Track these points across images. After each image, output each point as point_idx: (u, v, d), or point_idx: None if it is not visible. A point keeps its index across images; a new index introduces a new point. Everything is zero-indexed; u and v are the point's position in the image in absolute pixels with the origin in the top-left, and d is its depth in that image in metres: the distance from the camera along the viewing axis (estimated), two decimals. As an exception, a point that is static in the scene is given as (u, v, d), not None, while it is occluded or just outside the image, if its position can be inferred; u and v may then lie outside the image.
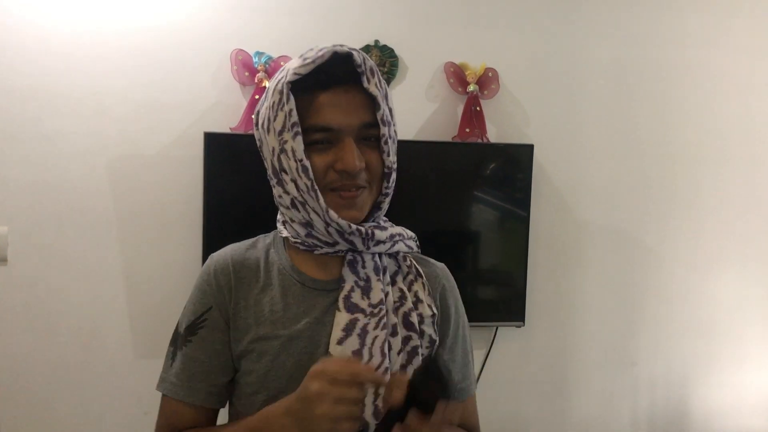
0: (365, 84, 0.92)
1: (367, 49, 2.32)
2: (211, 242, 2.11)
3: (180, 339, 1.01)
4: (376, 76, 0.93)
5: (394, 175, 0.98)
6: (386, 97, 0.95)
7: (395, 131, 0.99)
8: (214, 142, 2.17)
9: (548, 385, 2.57)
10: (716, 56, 2.57)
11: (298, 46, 2.25)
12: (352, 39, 2.30)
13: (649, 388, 2.64)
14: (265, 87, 2.15)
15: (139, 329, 2.27)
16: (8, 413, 2.20)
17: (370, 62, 0.93)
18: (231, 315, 0.99)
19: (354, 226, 0.94)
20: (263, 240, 1.07)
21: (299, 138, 0.90)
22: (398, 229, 1.02)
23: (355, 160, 0.90)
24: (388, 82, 2.34)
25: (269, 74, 2.18)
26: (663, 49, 2.53)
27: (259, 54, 2.21)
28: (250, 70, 2.21)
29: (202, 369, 0.99)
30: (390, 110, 0.97)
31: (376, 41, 2.33)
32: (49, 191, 2.19)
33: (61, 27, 2.15)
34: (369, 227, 0.97)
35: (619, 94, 2.52)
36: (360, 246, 0.96)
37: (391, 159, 0.96)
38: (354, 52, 0.92)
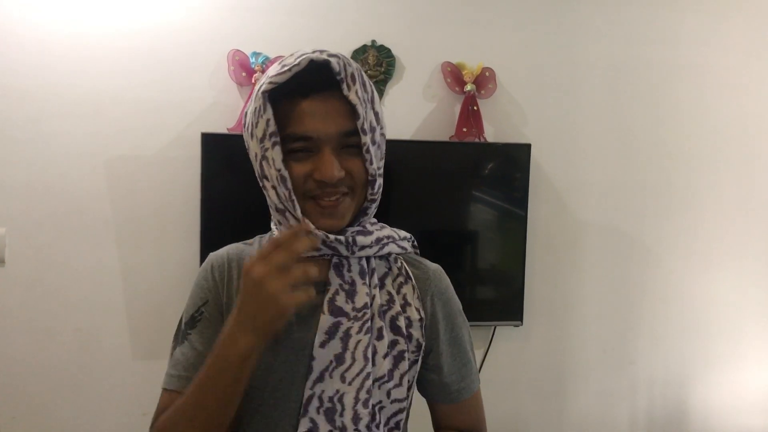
0: (345, 92, 0.89)
1: (364, 49, 2.32)
2: (209, 243, 2.11)
3: (181, 334, 1.02)
4: (357, 81, 0.90)
5: (379, 181, 0.97)
6: (372, 100, 0.93)
7: (383, 134, 0.97)
8: (211, 143, 2.17)
9: (546, 385, 2.58)
10: (711, 55, 2.57)
11: (295, 47, 2.24)
12: (349, 39, 2.31)
13: (647, 387, 2.65)
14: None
15: (137, 330, 2.27)
16: (6, 414, 2.20)
17: (352, 67, 0.90)
18: (225, 309, 1.00)
19: (332, 236, 0.93)
20: (259, 240, 1.08)
21: (278, 148, 0.89)
22: (387, 232, 1.01)
23: (332, 170, 0.89)
24: (385, 82, 2.34)
25: (266, 74, 2.18)
26: (659, 48, 2.54)
27: (256, 54, 2.21)
28: (247, 70, 2.22)
29: (200, 360, 0.99)
30: (376, 114, 0.95)
31: (373, 41, 2.33)
32: (47, 192, 2.19)
33: (59, 28, 2.15)
34: (351, 233, 0.96)
35: (616, 93, 2.53)
36: (344, 252, 0.96)
37: (375, 166, 0.94)
38: (332, 60, 0.88)
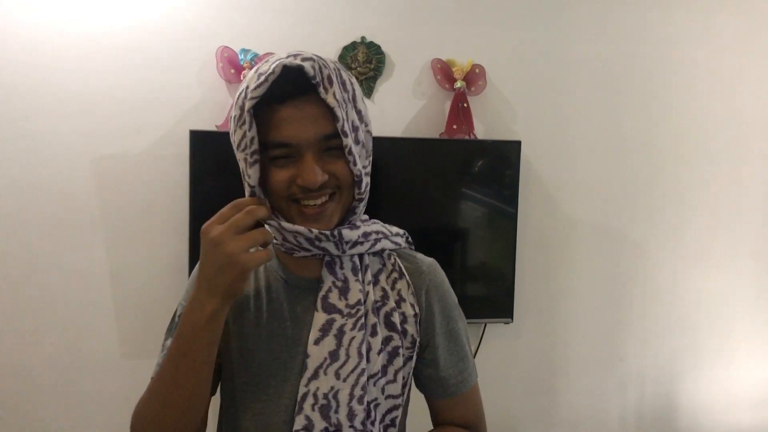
0: (322, 95, 0.87)
1: (353, 45, 2.31)
2: (198, 241, 2.09)
3: (174, 326, 1.01)
4: (335, 83, 0.88)
5: (366, 180, 0.95)
6: (353, 99, 0.92)
7: (368, 131, 0.96)
8: (200, 140, 2.16)
9: (537, 382, 2.58)
10: (702, 53, 2.58)
11: (284, 43, 2.25)
12: (339, 36, 2.30)
13: (637, 383, 2.66)
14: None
15: (126, 329, 2.26)
16: (-7, 415, 2.18)
17: (328, 69, 0.88)
18: None
19: (315, 231, 0.92)
20: None
21: (254, 158, 0.89)
22: (377, 227, 1.01)
23: (314, 176, 0.88)
24: (375, 79, 2.34)
25: (255, 71, 2.17)
26: (649, 46, 2.54)
27: (244, 51, 2.20)
28: (235, 67, 2.20)
29: None
30: (359, 112, 0.93)
31: (363, 38, 2.32)
32: (35, 190, 2.17)
33: (47, 26, 2.13)
34: (338, 228, 0.95)
35: (606, 91, 2.53)
36: (334, 250, 0.95)
37: (359, 166, 0.92)
38: (306, 64, 0.86)
